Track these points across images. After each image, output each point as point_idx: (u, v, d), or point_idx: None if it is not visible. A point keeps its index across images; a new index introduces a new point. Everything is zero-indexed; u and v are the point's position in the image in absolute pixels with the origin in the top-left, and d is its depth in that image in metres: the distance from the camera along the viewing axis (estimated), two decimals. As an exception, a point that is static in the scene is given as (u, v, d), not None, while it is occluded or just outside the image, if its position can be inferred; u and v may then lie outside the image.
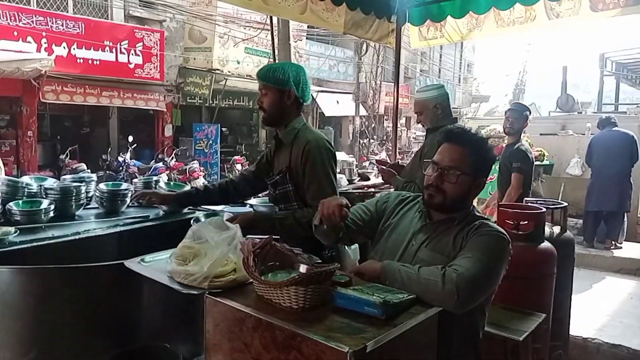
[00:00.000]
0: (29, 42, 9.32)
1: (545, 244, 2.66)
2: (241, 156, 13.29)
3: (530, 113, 4.51)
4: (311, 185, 2.15)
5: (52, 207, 2.42)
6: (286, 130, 2.26)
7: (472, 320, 1.66)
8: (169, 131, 12.77)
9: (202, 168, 11.28)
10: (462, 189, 1.65)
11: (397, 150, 5.00)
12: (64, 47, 9.89)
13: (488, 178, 1.77)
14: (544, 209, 2.75)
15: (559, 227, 3.02)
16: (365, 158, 15.22)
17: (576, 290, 3.11)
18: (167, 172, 9.86)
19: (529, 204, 2.94)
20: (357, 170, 5.04)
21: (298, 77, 2.20)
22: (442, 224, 1.69)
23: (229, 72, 12.85)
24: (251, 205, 3.02)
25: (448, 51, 25.60)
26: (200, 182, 9.32)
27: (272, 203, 2.37)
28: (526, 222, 2.58)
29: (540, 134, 8.23)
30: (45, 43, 9.56)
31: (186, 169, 10.36)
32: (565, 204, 3.14)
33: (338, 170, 4.89)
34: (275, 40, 5.75)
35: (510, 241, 1.63)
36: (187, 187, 3.03)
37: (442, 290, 1.46)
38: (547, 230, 2.81)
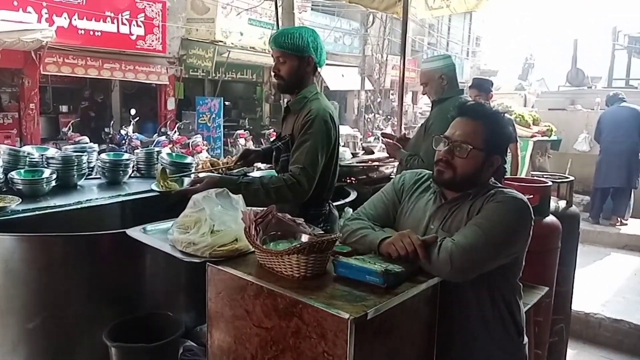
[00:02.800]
0: (29, 12, 9.19)
1: (551, 218, 2.64)
2: (244, 130, 13.21)
3: (492, 85, 4.58)
4: (297, 149, 2.07)
5: (54, 176, 2.42)
6: (297, 98, 2.19)
7: (497, 293, 1.58)
8: (171, 104, 12.68)
9: (205, 142, 11.22)
10: (473, 165, 1.58)
11: (403, 126, 4.94)
12: (65, 18, 9.76)
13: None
14: (550, 183, 2.72)
15: (565, 201, 2.99)
16: (370, 133, 15.13)
17: (580, 266, 3.09)
18: (170, 145, 9.83)
19: (535, 178, 2.91)
20: (362, 144, 5.00)
21: (316, 42, 2.13)
22: (457, 202, 1.62)
23: (232, 44, 12.69)
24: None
25: (456, 24, 25.13)
26: (204, 156, 9.28)
27: (276, 171, 2.32)
28: (532, 195, 2.54)
29: (549, 109, 8.12)
30: (45, 13, 9.42)
31: (189, 143, 10.32)
32: (572, 178, 3.10)
33: (342, 143, 4.88)
34: (279, 11, 5.63)
35: (529, 206, 1.56)
36: (189, 159, 3.00)
37: (437, 260, 1.44)
38: (552, 204, 2.78)
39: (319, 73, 2.26)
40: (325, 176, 2.15)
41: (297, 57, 2.10)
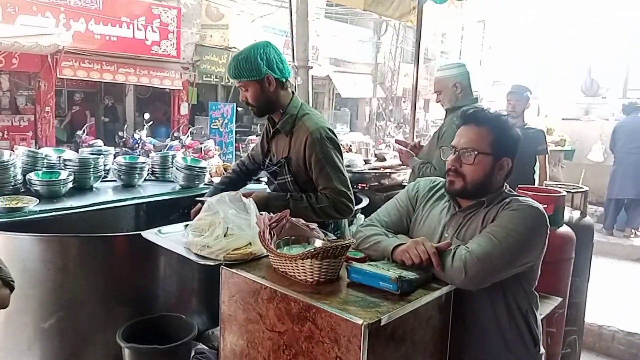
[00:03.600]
0: (47, 17, 9.36)
1: (565, 228, 2.61)
2: (256, 136, 13.25)
3: (531, 94, 4.38)
4: (321, 174, 2.05)
5: (71, 178, 2.46)
6: (283, 119, 2.11)
7: (512, 302, 1.58)
8: (184, 109, 12.81)
9: (217, 147, 11.29)
10: (482, 170, 1.58)
11: (415, 134, 4.93)
12: (82, 23, 9.92)
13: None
14: (564, 193, 2.70)
15: (579, 211, 2.96)
16: (381, 141, 15.11)
17: (593, 277, 3.06)
18: (183, 150, 9.90)
19: (549, 187, 2.89)
20: (374, 151, 5.00)
21: (269, 58, 2.01)
22: (471, 210, 1.62)
23: (246, 50, 12.78)
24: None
25: (470, 33, 25.07)
26: (215, 161, 9.32)
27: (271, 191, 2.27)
28: (545, 205, 2.52)
29: (562, 119, 8.06)
30: (63, 18, 9.59)
31: (201, 148, 10.38)
32: (586, 188, 3.08)
33: (355, 150, 4.89)
34: (294, 18, 5.68)
35: (544, 214, 1.55)
36: (203, 163, 3.03)
37: (450, 268, 1.44)
38: (566, 214, 2.76)
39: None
40: None
41: (255, 81, 2.02)
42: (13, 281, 1.45)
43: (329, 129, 2.08)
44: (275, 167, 2.15)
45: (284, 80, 2.08)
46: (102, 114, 12.39)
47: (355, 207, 2.80)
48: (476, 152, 1.57)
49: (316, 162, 2.03)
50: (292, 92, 2.16)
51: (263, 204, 1.92)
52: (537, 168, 4.29)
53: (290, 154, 2.10)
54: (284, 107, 2.10)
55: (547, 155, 4.27)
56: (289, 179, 2.12)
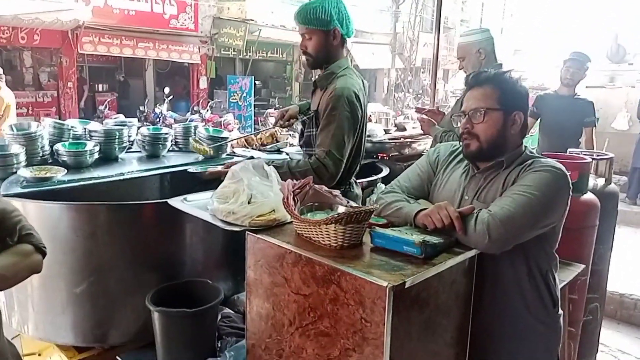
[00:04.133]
0: (67, -9, 9.37)
1: (589, 195, 2.59)
2: (275, 109, 13.26)
3: (590, 62, 4.21)
4: (322, 131, 2.06)
5: (97, 148, 2.50)
6: (324, 74, 2.15)
7: (533, 264, 1.58)
8: (203, 83, 12.83)
9: (236, 120, 11.35)
10: (494, 126, 1.58)
11: (435, 104, 4.87)
12: (101, -3, 9.92)
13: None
14: (589, 159, 2.66)
15: (604, 179, 2.92)
16: (400, 112, 14.94)
17: (616, 246, 3.04)
18: (203, 124, 9.97)
19: (574, 154, 2.85)
20: (394, 121, 4.96)
21: (340, 13, 2.07)
22: (490, 171, 1.62)
23: (263, 22, 12.66)
24: (287, 154, 3.05)
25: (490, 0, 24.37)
26: (235, 134, 9.38)
27: (300, 145, 2.31)
28: (570, 171, 2.50)
29: (586, 87, 7.84)
30: (82, -7, 9.60)
31: (221, 121, 10.45)
32: (612, 155, 3.02)
33: (375, 120, 4.85)
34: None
35: (567, 175, 1.54)
36: (225, 133, 3.05)
37: (473, 232, 1.44)
38: (591, 181, 2.72)
39: (347, 46, 2.20)
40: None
41: (322, 31, 2.06)
42: (45, 247, 1.50)
43: (355, 93, 2.07)
44: (306, 118, 2.19)
45: (346, 37, 2.12)
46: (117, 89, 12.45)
47: (375, 177, 2.82)
48: (483, 109, 1.58)
49: (325, 116, 2.04)
50: (346, 53, 2.19)
51: None
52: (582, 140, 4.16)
53: (319, 108, 2.12)
54: (329, 65, 2.13)
55: (594, 128, 4.12)
56: (314, 132, 2.14)
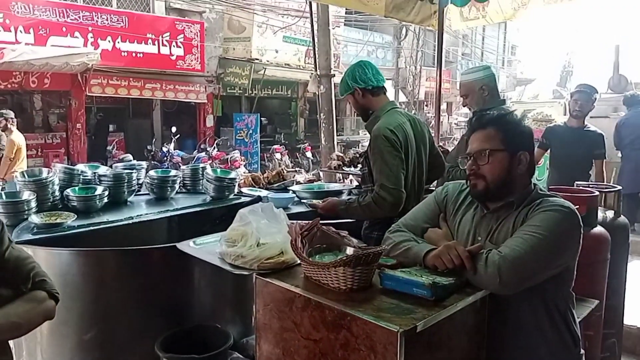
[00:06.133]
0: (77, 37, 9.66)
1: (598, 229, 2.56)
2: (280, 145, 13.40)
3: (597, 94, 4.24)
4: (374, 168, 2.30)
5: (106, 193, 2.53)
6: (370, 119, 2.42)
7: (550, 303, 1.57)
8: (210, 121, 13.00)
9: (243, 157, 11.45)
10: (500, 167, 1.59)
11: (439, 137, 4.91)
12: (109, 41, 10.20)
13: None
14: (597, 192, 2.65)
15: (613, 211, 2.90)
16: (405, 145, 15.02)
17: (631, 279, 2.98)
18: (210, 161, 10.06)
19: (581, 187, 2.84)
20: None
21: (354, 74, 2.37)
22: (501, 211, 1.62)
23: (268, 61, 12.93)
24: (294, 192, 3.06)
25: (491, 33, 24.81)
26: (242, 171, 9.46)
27: (359, 184, 2.62)
28: (578, 205, 2.48)
29: (591, 117, 7.87)
30: (91, 37, 9.88)
31: (228, 159, 10.55)
32: (619, 187, 3.01)
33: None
34: (314, 27, 5.73)
35: (576, 213, 1.53)
36: (233, 174, 3.07)
37: (484, 273, 1.43)
38: (600, 214, 2.70)
39: (385, 90, 2.47)
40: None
41: (350, 95, 2.42)
42: (58, 293, 1.50)
43: (391, 130, 2.26)
44: (362, 159, 2.52)
45: (371, 87, 2.38)
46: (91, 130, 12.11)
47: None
48: (488, 150, 1.59)
49: (371, 156, 2.29)
50: (387, 97, 2.47)
51: (333, 210, 2.39)
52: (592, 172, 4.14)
53: (367, 149, 2.37)
54: (374, 109, 2.42)
55: (604, 161, 4.11)
56: (366, 172, 2.40)
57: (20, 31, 8.84)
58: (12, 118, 6.21)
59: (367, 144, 2.44)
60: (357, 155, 3.72)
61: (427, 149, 2.50)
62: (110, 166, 3.09)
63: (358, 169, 2.73)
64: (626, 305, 2.97)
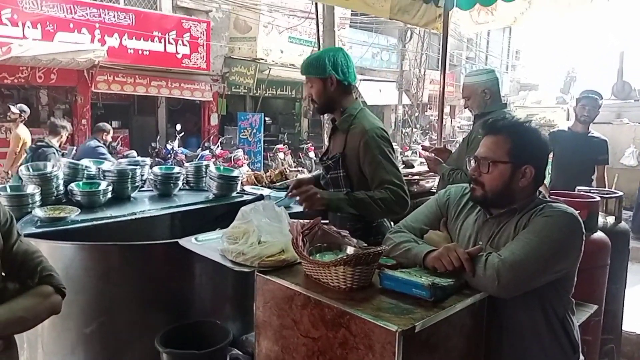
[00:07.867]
0: (84, 33, 9.70)
1: (599, 234, 2.57)
2: (283, 145, 13.42)
3: (602, 100, 4.26)
4: (377, 170, 2.16)
5: (110, 188, 2.55)
6: (343, 117, 2.27)
7: (549, 308, 1.57)
8: (214, 120, 13.04)
9: (246, 156, 11.49)
10: (499, 179, 1.58)
11: (442, 140, 4.92)
12: (116, 38, 10.23)
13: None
14: (598, 198, 2.66)
15: (614, 217, 2.90)
16: (407, 147, 15.03)
17: (630, 284, 2.99)
18: (213, 159, 10.08)
19: (582, 193, 2.85)
20: (402, 158, 4.99)
21: (336, 61, 2.19)
22: (503, 217, 1.62)
23: (273, 61, 12.96)
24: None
25: (495, 37, 24.80)
26: (245, 169, 9.47)
27: (324, 186, 2.37)
28: (579, 211, 2.49)
29: (593, 123, 7.88)
30: (98, 34, 9.91)
31: (231, 157, 10.57)
32: (621, 193, 3.02)
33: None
34: (320, 28, 5.75)
35: (578, 219, 1.53)
36: (235, 172, 3.09)
37: (483, 276, 1.44)
38: (600, 220, 2.71)
39: (356, 88, 2.30)
40: None
41: (319, 79, 2.20)
42: (65, 288, 1.51)
43: (383, 129, 2.22)
44: (330, 162, 2.28)
45: (347, 83, 2.23)
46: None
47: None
48: (490, 161, 1.59)
49: (372, 159, 2.14)
50: (356, 98, 2.32)
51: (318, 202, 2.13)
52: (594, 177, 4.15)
53: (346, 150, 2.22)
54: (344, 107, 2.26)
55: (606, 167, 4.15)
56: (342, 174, 2.24)
57: (28, 27, 8.88)
58: (24, 112, 6.31)
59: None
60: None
61: None
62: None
63: (323, 173, 2.39)
64: (625, 311, 2.97)
